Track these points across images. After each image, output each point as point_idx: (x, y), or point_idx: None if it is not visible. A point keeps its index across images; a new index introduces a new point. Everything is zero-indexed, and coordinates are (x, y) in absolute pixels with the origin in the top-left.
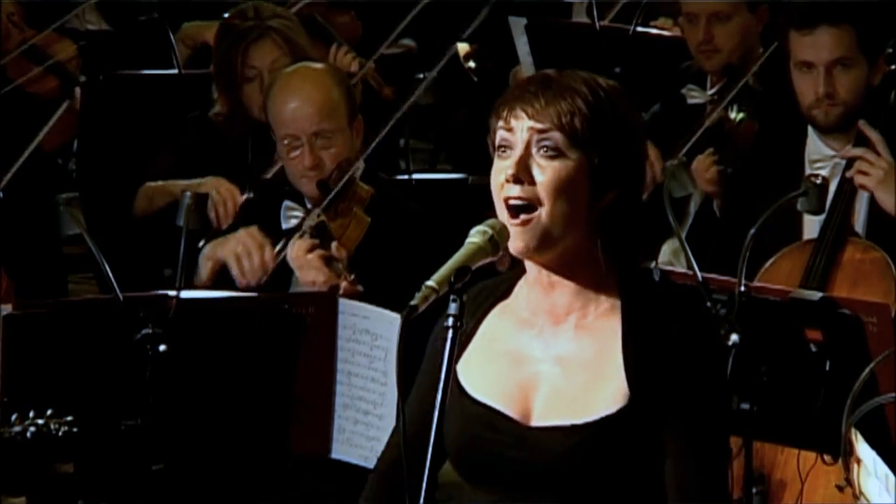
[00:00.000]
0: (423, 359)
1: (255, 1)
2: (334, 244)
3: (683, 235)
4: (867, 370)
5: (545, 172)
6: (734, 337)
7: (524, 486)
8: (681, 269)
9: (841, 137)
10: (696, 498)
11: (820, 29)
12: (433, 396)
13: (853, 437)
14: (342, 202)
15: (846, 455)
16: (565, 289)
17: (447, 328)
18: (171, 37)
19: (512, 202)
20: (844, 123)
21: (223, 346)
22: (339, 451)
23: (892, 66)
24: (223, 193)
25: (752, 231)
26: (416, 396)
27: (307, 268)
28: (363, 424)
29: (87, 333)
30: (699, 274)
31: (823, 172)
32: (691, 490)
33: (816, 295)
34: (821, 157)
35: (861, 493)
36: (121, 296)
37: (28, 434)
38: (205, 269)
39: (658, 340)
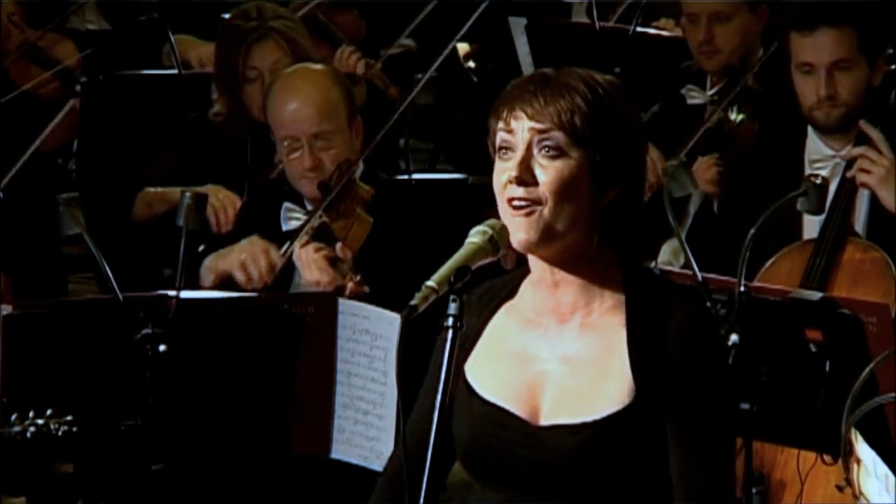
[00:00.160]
0: (423, 359)
1: (257, 1)
2: (339, 245)
3: (683, 235)
4: (867, 370)
5: (547, 172)
6: (734, 337)
7: (533, 484)
8: (680, 269)
9: (841, 138)
10: (701, 494)
11: (820, 30)
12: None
13: (853, 437)
14: (343, 203)
15: (846, 455)
16: (569, 287)
17: (447, 328)
18: (171, 37)
19: (516, 203)
20: (845, 124)
21: (223, 346)
22: (339, 451)
23: (893, 66)
24: (222, 200)
25: (752, 231)
26: (424, 398)
27: (312, 268)
28: (363, 424)
29: (87, 333)
30: (699, 274)
31: (823, 172)
32: (695, 486)
33: (816, 295)
34: (821, 157)
35: (861, 493)
36: (121, 296)
37: (28, 434)
38: (207, 280)
39: (662, 337)
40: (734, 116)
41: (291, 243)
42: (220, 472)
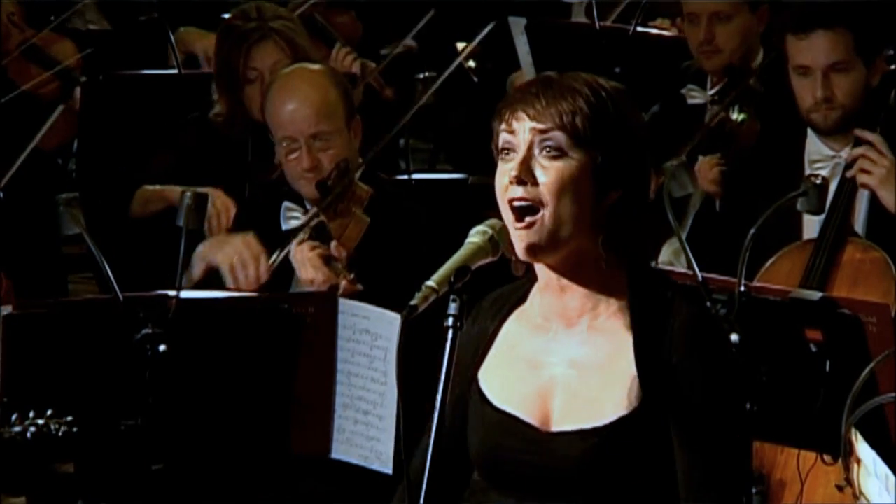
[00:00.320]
0: (423, 359)
1: (257, 1)
2: (333, 244)
3: (683, 235)
4: (867, 370)
5: (548, 173)
6: (734, 337)
7: (544, 490)
8: (681, 269)
9: (841, 138)
10: (706, 497)
11: (815, 33)
12: (455, 404)
13: (853, 437)
14: (341, 202)
15: (846, 455)
16: (576, 291)
17: (447, 328)
18: (171, 37)
19: (516, 203)
20: (844, 126)
21: (223, 346)
22: (339, 451)
23: (892, 66)
24: (218, 206)
25: (752, 231)
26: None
27: (307, 266)
28: (363, 424)
29: (87, 333)
30: (699, 274)
31: (823, 172)
32: (701, 489)
33: (816, 295)
34: (821, 157)
35: (861, 493)
36: (121, 296)
37: (28, 434)
38: (198, 268)
39: (667, 339)
40: (736, 116)
41: (283, 250)
42: (220, 472)
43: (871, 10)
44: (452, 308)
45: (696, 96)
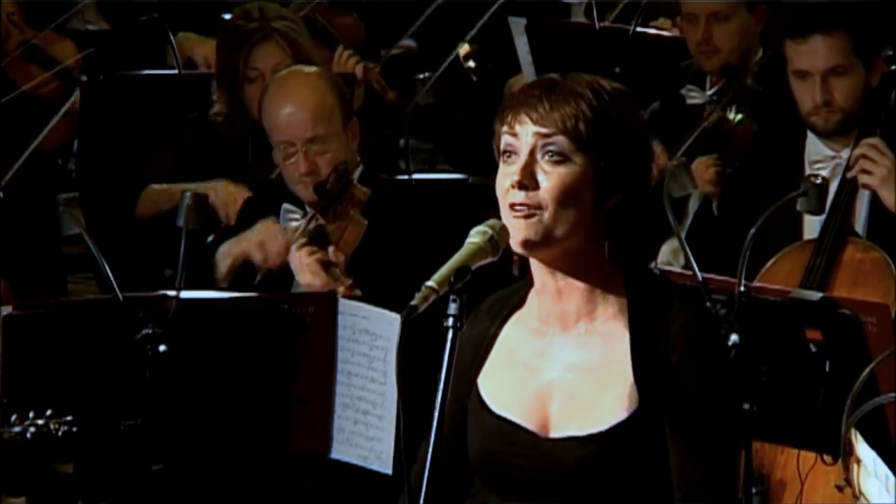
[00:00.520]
0: (423, 359)
1: (259, 1)
2: (331, 248)
3: (683, 235)
4: (867, 370)
5: (550, 178)
6: (734, 337)
7: (544, 495)
8: (680, 269)
9: (841, 139)
10: (701, 499)
11: (814, 37)
12: (455, 406)
13: (853, 437)
14: (339, 205)
15: (846, 455)
16: (573, 294)
17: (447, 328)
18: (171, 37)
19: (517, 208)
20: (844, 128)
21: (223, 346)
22: (339, 451)
23: (892, 67)
24: (232, 194)
25: (752, 231)
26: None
27: (305, 272)
28: (363, 424)
29: (87, 333)
30: (699, 274)
31: (824, 173)
32: (696, 491)
33: (816, 295)
34: (821, 157)
35: (861, 493)
36: (121, 296)
37: (28, 434)
38: (224, 265)
39: (664, 342)
40: (733, 116)
41: (306, 223)
42: (220, 472)
43: (869, 10)
44: (452, 308)
45: (695, 96)
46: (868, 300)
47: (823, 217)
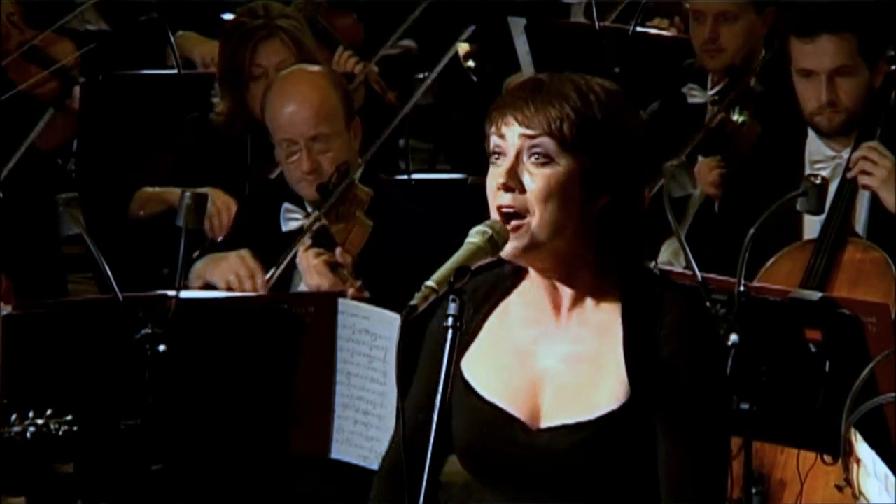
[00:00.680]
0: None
1: (260, 0)
2: (338, 250)
3: (683, 235)
4: (867, 370)
5: (535, 180)
6: (734, 337)
7: (531, 484)
8: (680, 269)
9: (842, 139)
10: (686, 493)
11: (821, 37)
12: (433, 394)
13: (853, 437)
14: (342, 205)
15: (846, 455)
16: (567, 289)
17: (447, 328)
18: (171, 37)
19: (504, 210)
20: (847, 128)
21: (223, 346)
22: (339, 451)
23: (893, 67)
24: (218, 205)
25: (752, 231)
26: (414, 393)
27: (312, 273)
28: (363, 424)
29: (86, 333)
30: (699, 274)
31: (824, 173)
32: (681, 485)
33: (816, 295)
34: (822, 157)
35: (860, 493)
36: (120, 296)
37: (28, 434)
38: (195, 285)
39: (656, 336)
40: (736, 117)
41: (290, 250)
42: (220, 472)
43: (876, 11)
44: (452, 308)
45: (696, 95)
46: (868, 300)
47: (823, 217)
